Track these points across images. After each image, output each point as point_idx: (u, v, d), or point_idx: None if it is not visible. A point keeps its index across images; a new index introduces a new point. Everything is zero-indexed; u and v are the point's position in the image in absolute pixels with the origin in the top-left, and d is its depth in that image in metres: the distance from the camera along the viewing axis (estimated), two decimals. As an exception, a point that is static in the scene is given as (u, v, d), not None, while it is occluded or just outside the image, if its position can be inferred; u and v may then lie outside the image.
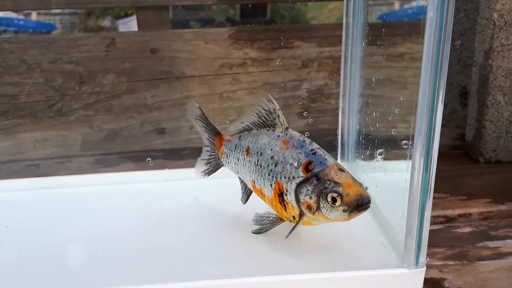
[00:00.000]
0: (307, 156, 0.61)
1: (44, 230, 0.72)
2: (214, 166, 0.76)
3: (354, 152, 0.87)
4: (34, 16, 1.13)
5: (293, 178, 0.61)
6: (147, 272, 0.62)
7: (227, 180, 0.78)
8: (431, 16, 0.52)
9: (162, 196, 0.83)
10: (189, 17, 1.11)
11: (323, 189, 0.58)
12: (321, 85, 1.04)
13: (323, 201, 0.58)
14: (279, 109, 0.65)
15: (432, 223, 0.79)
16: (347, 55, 0.85)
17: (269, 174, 0.64)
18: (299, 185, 0.60)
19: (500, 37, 0.96)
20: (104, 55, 0.97)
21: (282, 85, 1.03)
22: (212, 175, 0.77)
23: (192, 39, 1.00)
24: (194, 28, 1.06)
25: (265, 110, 0.65)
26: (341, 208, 0.58)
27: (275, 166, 0.63)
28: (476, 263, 0.68)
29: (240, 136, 0.69)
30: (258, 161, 0.65)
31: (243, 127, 0.69)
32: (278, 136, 0.64)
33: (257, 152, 0.65)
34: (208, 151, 0.76)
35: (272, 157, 0.63)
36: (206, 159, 0.77)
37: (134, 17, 1.01)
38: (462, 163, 1.03)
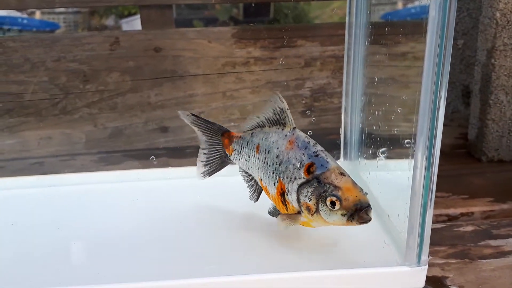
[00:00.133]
0: (309, 158, 0.61)
1: (48, 227, 0.73)
2: (217, 166, 0.76)
3: (356, 150, 0.87)
4: (38, 15, 1.13)
5: (295, 178, 0.61)
6: (150, 269, 0.62)
7: (230, 178, 0.78)
8: (433, 15, 0.52)
9: (165, 194, 0.83)
10: (193, 16, 1.12)
11: (322, 192, 0.58)
12: (324, 84, 1.05)
13: (322, 204, 0.58)
14: (287, 109, 0.65)
15: (434, 222, 0.79)
16: (349, 54, 0.85)
17: (273, 173, 0.64)
18: (300, 187, 0.60)
19: (502, 36, 0.96)
20: (108, 54, 0.98)
21: (285, 83, 1.04)
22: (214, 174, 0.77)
23: (195, 38, 1.00)
24: (197, 27, 1.07)
25: (279, 107, 0.66)
26: (340, 212, 0.58)
27: (279, 165, 0.63)
28: (478, 261, 0.68)
29: (252, 133, 0.70)
30: (265, 158, 0.66)
31: (257, 123, 0.69)
32: (286, 135, 0.64)
33: (265, 150, 0.66)
34: (205, 153, 0.76)
35: (277, 156, 0.64)
36: (204, 161, 0.76)
37: (137, 16, 1.02)
38: (465, 162, 1.03)
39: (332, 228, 0.68)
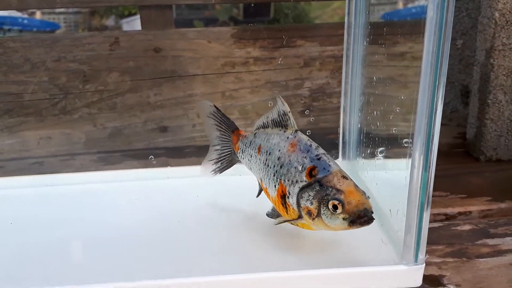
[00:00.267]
0: (311, 161, 0.60)
1: (47, 226, 0.73)
2: (228, 163, 0.76)
3: (355, 150, 0.87)
4: (38, 15, 1.14)
5: (296, 182, 0.61)
6: (149, 268, 0.63)
7: (229, 178, 0.79)
8: (431, 16, 0.53)
9: (164, 194, 0.84)
10: (193, 16, 1.12)
11: (324, 195, 0.58)
12: (323, 84, 1.05)
13: (324, 207, 0.58)
14: (289, 111, 0.65)
15: (432, 221, 0.80)
16: (348, 54, 0.86)
17: (274, 175, 0.64)
18: (302, 190, 0.60)
19: (501, 36, 0.96)
20: (108, 54, 0.98)
21: (285, 83, 1.04)
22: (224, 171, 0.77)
23: (195, 38, 1.00)
24: (198, 27, 1.07)
25: (282, 110, 0.66)
26: (342, 216, 0.57)
27: (281, 167, 0.63)
28: (475, 260, 0.69)
29: (255, 133, 0.70)
30: (266, 160, 0.66)
31: (263, 123, 0.69)
32: (288, 137, 0.64)
33: (267, 151, 0.66)
34: (217, 149, 0.76)
35: (279, 158, 0.64)
36: (215, 159, 0.76)
37: (138, 16, 1.02)
38: (463, 162, 1.03)
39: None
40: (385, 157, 0.74)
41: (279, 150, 0.64)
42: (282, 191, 0.62)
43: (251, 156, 0.70)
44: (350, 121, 0.88)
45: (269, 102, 0.99)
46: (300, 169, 0.61)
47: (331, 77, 1.05)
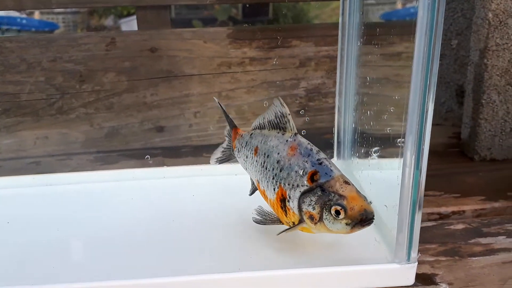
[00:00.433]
0: (313, 166, 0.60)
1: (44, 226, 0.74)
2: (227, 156, 0.77)
3: (349, 150, 0.88)
4: (37, 15, 1.14)
5: (297, 186, 0.60)
6: (146, 266, 0.63)
7: (225, 177, 0.79)
8: (421, 16, 0.53)
9: (160, 193, 0.84)
10: (191, 16, 1.12)
11: (327, 201, 0.58)
12: (318, 84, 1.05)
13: (327, 213, 0.58)
14: (289, 114, 0.65)
15: (425, 220, 0.80)
16: (343, 54, 0.86)
17: (273, 178, 0.63)
18: (303, 195, 0.59)
19: (495, 36, 0.97)
20: (104, 54, 0.99)
21: (280, 83, 1.05)
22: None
23: (191, 38, 1.01)
24: (196, 27, 1.08)
25: (280, 111, 0.65)
26: (344, 221, 0.57)
27: (280, 171, 0.62)
28: (468, 259, 0.69)
29: (251, 134, 0.70)
30: (264, 162, 0.65)
31: (262, 122, 0.69)
32: (287, 141, 0.63)
33: (264, 154, 0.65)
34: (226, 142, 0.78)
35: (278, 162, 0.63)
36: (224, 148, 0.77)
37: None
38: (457, 161, 1.04)
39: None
40: (379, 156, 0.75)
41: (278, 153, 0.63)
42: (282, 195, 0.62)
43: (246, 157, 0.70)
44: (344, 121, 0.88)
45: (264, 102, 1.00)
46: (301, 173, 0.60)
47: (327, 77, 1.05)
